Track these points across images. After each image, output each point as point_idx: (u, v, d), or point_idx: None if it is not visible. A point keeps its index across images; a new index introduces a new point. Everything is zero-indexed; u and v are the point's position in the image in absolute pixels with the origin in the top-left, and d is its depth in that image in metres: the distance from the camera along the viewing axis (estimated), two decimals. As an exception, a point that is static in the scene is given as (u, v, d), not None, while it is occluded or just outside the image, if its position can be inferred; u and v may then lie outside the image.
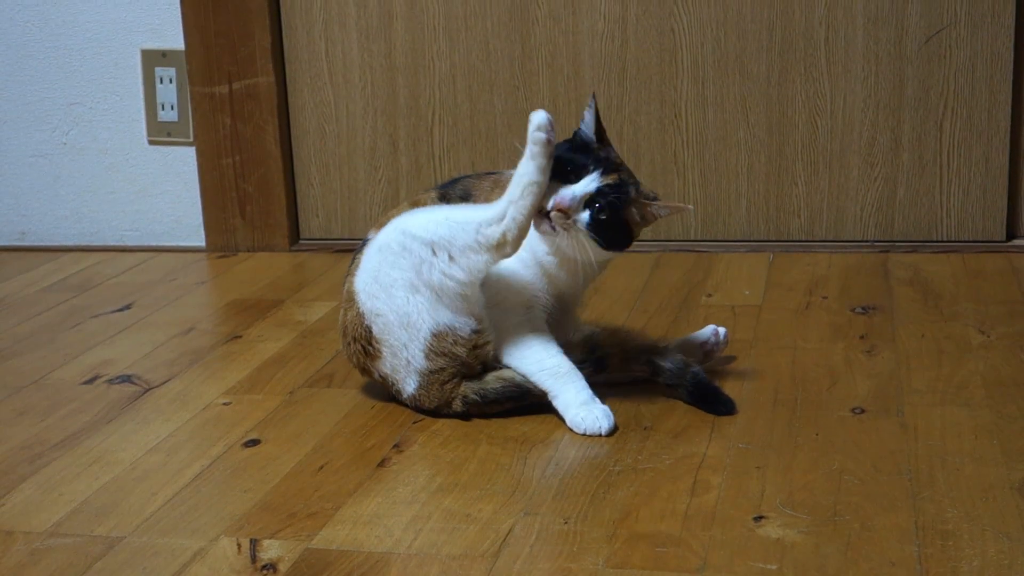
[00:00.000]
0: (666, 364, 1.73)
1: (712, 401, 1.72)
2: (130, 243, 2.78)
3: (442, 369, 1.69)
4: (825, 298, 2.19)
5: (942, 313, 2.08)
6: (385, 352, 1.71)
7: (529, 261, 1.71)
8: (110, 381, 1.95)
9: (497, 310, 1.71)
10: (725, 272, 2.38)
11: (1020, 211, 2.48)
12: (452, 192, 1.79)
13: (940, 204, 2.47)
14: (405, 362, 1.70)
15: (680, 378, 1.73)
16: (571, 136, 1.74)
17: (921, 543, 1.34)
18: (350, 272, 1.76)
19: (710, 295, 2.25)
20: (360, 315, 1.73)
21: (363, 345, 1.73)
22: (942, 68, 2.41)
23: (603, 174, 1.67)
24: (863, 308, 2.12)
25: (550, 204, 1.64)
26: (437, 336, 1.68)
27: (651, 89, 2.52)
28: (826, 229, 2.52)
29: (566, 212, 1.64)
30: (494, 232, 1.64)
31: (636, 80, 2.52)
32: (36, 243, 2.81)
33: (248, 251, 2.70)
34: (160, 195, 2.75)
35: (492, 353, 1.71)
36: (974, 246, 2.45)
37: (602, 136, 1.74)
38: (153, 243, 2.77)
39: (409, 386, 1.71)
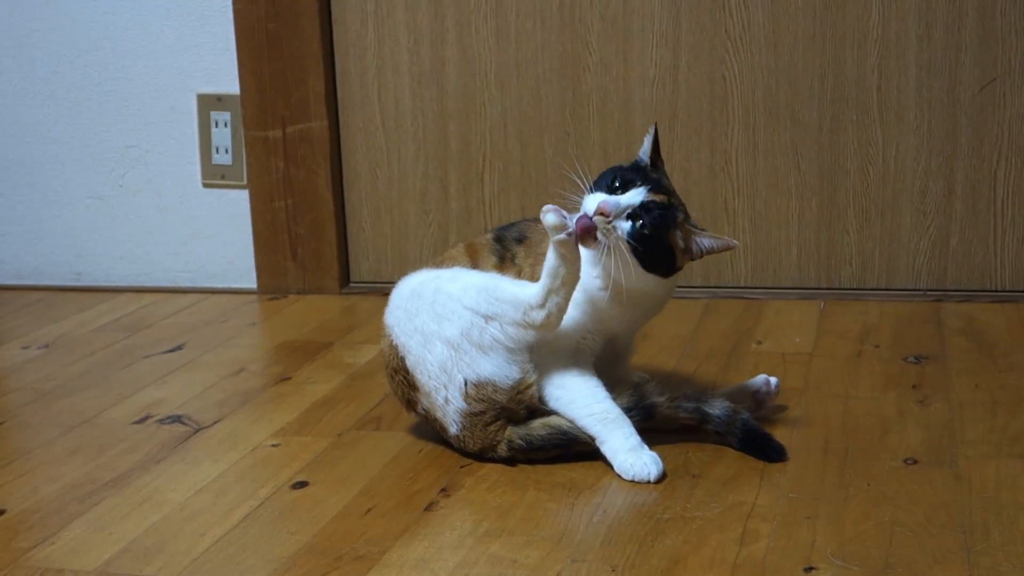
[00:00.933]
0: (715, 412, 1.72)
1: (763, 448, 1.71)
2: (183, 284, 2.80)
3: (482, 412, 1.69)
4: (877, 347, 2.17)
5: (996, 364, 2.06)
6: (422, 388, 1.72)
7: (580, 299, 1.71)
8: (161, 421, 1.96)
9: (544, 351, 1.71)
10: (775, 319, 2.37)
11: (1076, 261, 2.45)
12: (508, 235, 1.81)
13: (994, 253, 2.45)
14: (444, 401, 1.70)
15: (729, 425, 1.71)
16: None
17: (975, 597, 1.32)
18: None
19: (760, 342, 2.23)
20: (394, 347, 1.74)
21: (403, 376, 1.74)
22: (996, 116, 2.40)
23: (651, 191, 1.68)
24: (916, 358, 2.10)
25: (593, 208, 1.64)
26: (477, 386, 1.68)
27: (702, 136, 2.53)
28: (878, 277, 2.50)
29: (607, 216, 1.64)
30: (539, 316, 1.66)
31: (687, 127, 2.52)
32: (91, 283, 2.84)
33: (299, 293, 2.72)
34: (213, 237, 2.77)
35: (537, 396, 1.70)
36: (1029, 296, 2.42)
37: (656, 161, 1.77)
38: (206, 284, 2.79)
39: (452, 426, 1.72)
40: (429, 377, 1.71)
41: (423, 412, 1.76)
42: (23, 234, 2.86)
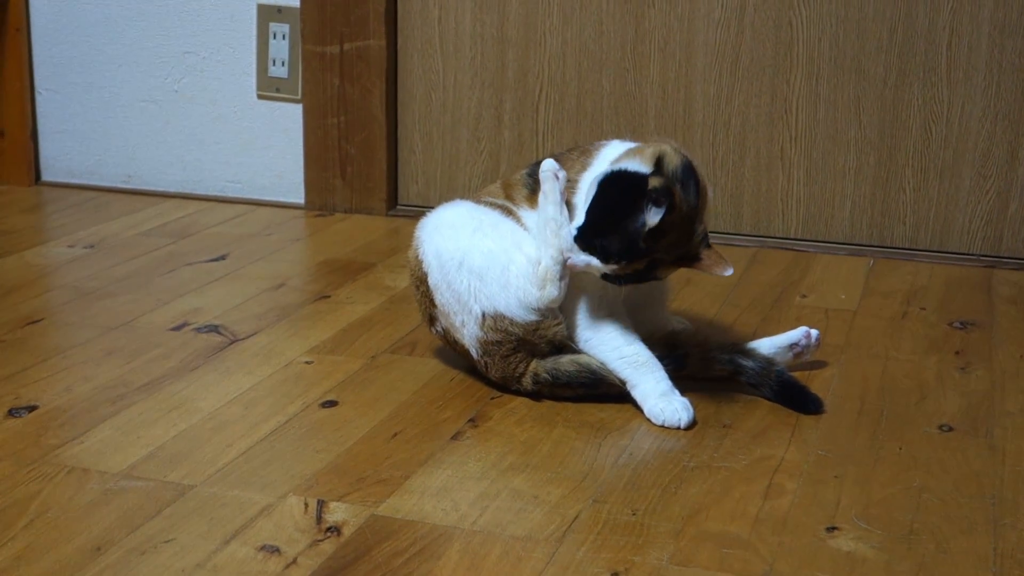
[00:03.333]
0: (748, 363, 1.70)
1: (799, 399, 1.69)
2: (231, 194, 2.80)
3: (499, 343, 1.68)
4: (923, 309, 2.14)
5: (1044, 335, 2.02)
6: (440, 308, 1.72)
7: None
8: (198, 329, 1.97)
9: (571, 291, 1.69)
10: (822, 274, 2.34)
11: None
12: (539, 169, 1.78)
13: (1053, 223, 2.40)
14: (461, 324, 1.70)
15: (764, 377, 1.69)
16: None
17: (998, 570, 1.30)
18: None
19: (804, 296, 2.20)
20: (419, 260, 1.74)
21: (425, 290, 1.74)
22: (1068, 83, 2.34)
23: (627, 262, 1.61)
24: (961, 323, 2.07)
25: (580, 263, 1.63)
26: (494, 318, 1.67)
27: (763, 82, 2.48)
28: (931, 239, 2.46)
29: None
30: (541, 271, 1.66)
31: (748, 72, 2.48)
32: (141, 187, 2.85)
33: (346, 212, 2.71)
34: (264, 150, 2.77)
35: (562, 335, 1.69)
36: (1084, 269, 2.37)
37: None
38: (254, 196, 2.79)
39: (472, 351, 1.71)
40: (447, 300, 1.70)
41: (441, 331, 1.75)
42: (77, 133, 2.86)
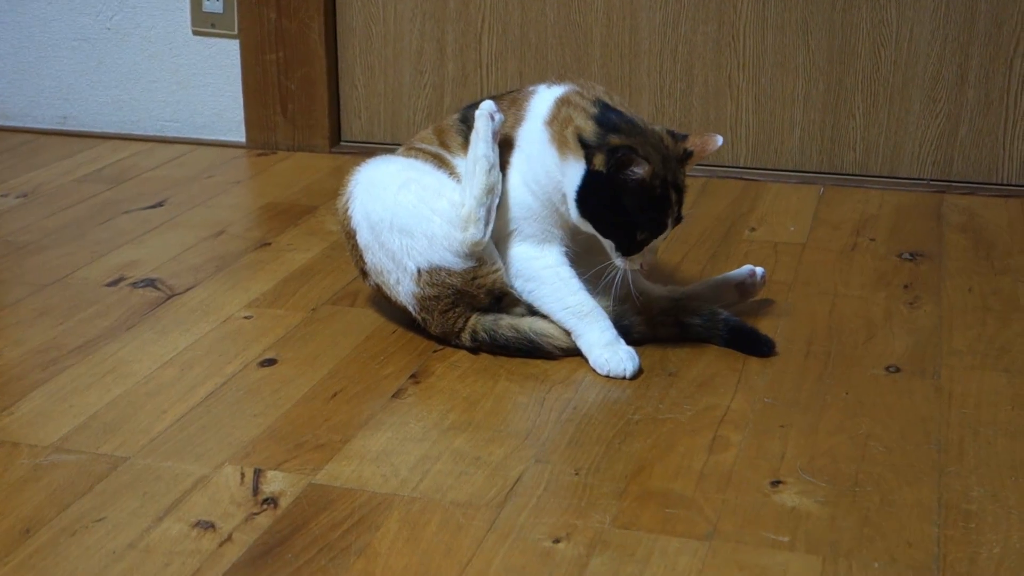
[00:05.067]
0: (694, 321, 1.67)
1: (751, 343, 1.67)
2: (170, 134, 2.74)
3: (437, 297, 1.65)
4: (873, 240, 2.12)
5: (993, 265, 2.00)
6: (371, 268, 1.68)
7: (540, 193, 1.64)
8: (134, 284, 1.92)
9: (513, 239, 1.66)
10: (772, 204, 2.31)
11: (1087, 158, 2.37)
12: (473, 113, 1.72)
13: (1003, 146, 2.37)
14: (395, 282, 1.66)
15: (712, 329, 1.67)
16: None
17: (942, 523, 1.29)
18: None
19: (753, 229, 2.18)
20: (348, 214, 1.70)
21: (355, 244, 1.70)
22: (1016, 3, 2.29)
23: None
24: (911, 254, 2.05)
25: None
26: (429, 272, 1.63)
27: (709, 8, 2.42)
28: (881, 164, 2.43)
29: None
30: (463, 213, 1.62)
31: (695, -3, 2.42)
32: (77, 128, 2.78)
33: (288, 150, 2.65)
34: (202, 87, 2.70)
35: (501, 283, 1.65)
36: (1035, 192, 2.35)
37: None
38: (193, 135, 2.72)
39: (409, 307, 1.68)
40: (380, 260, 1.66)
41: (375, 286, 1.72)
42: (8, 73, 2.78)
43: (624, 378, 1.60)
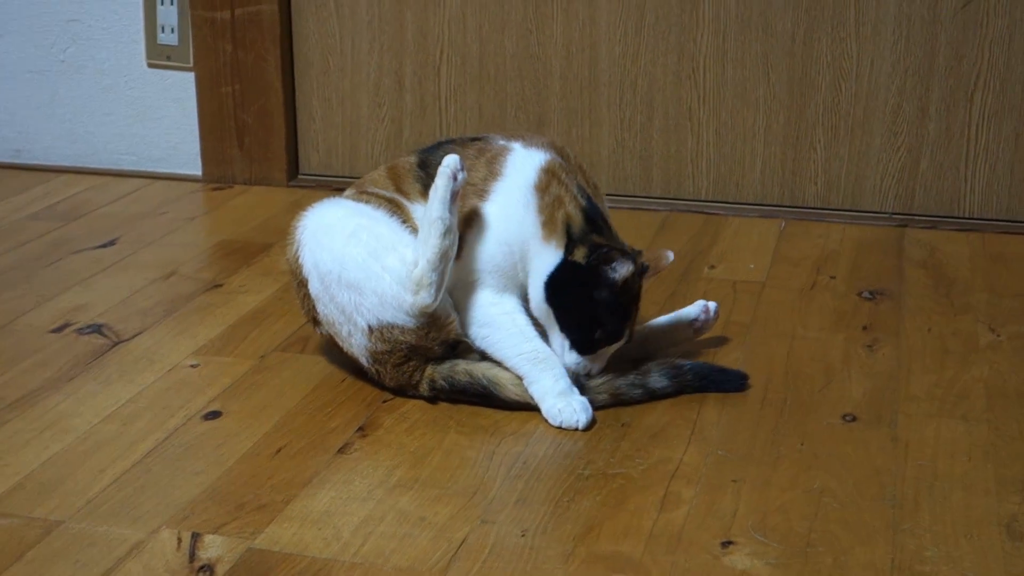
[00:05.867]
0: (659, 384, 1.63)
1: (723, 382, 1.66)
2: (126, 167, 2.70)
3: (389, 352, 1.61)
4: (833, 278, 2.09)
5: (953, 304, 1.98)
6: (323, 319, 1.65)
7: (508, 253, 1.61)
8: (80, 331, 1.88)
9: (470, 288, 1.63)
10: (732, 240, 2.28)
11: (1049, 191, 2.36)
12: (434, 159, 1.69)
13: (964, 179, 2.35)
14: (347, 335, 1.63)
15: (680, 383, 1.64)
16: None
17: (894, 586, 1.27)
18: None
19: (713, 266, 2.15)
20: (300, 263, 1.66)
21: (306, 293, 1.67)
22: (977, 36, 2.28)
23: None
24: (871, 293, 2.02)
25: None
26: (380, 330, 1.60)
27: (669, 41, 2.40)
28: (843, 198, 2.41)
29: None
30: (415, 275, 1.58)
31: (654, 30, 2.40)
32: (31, 161, 2.73)
33: (245, 184, 2.62)
34: (158, 120, 2.66)
35: (456, 333, 1.62)
36: (996, 225, 2.33)
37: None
38: (150, 169, 2.69)
39: (362, 359, 1.64)
40: (331, 312, 1.63)
41: (326, 335, 1.68)
42: (-40, 107, 2.74)
43: (577, 429, 1.57)
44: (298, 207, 2.38)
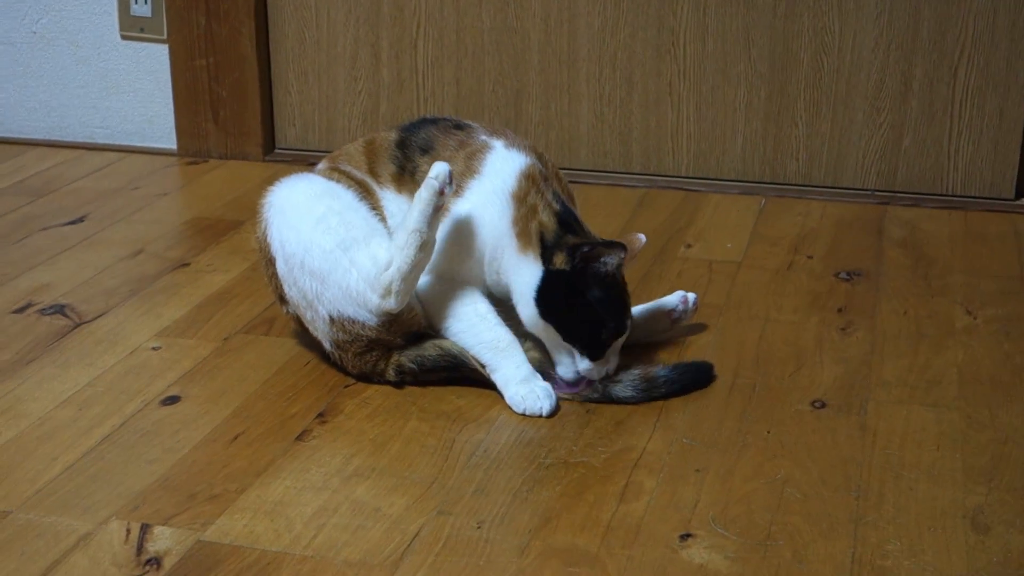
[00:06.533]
0: (626, 393, 1.58)
1: (694, 382, 1.61)
2: (100, 140, 2.66)
3: (351, 342, 1.58)
4: (810, 258, 2.06)
5: (930, 286, 1.95)
6: (289, 300, 1.62)
7: (476, 255, 1.58)
8: (43, 311, 1.85)
9: (430, 276, 1.59)
10: (711, 217, 2.25)
11: (1033, 168, 2.32)
12: (414, 140, 1.65)
13: (947, 156, 2.32)
14: (311, 318, 1.60)
15: (649, 391, 1.58)
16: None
17: (854, 581, 1.24)
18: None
19: (689, 245, 2.12)
20: (268, 241, 1.63)
21: (274, 272, 1.63)
22: (961, 10, 2.23)
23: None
24: (848, 273, 1.99)
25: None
26: (341, 321, 1.57)
27: (649, 14, 2.36)
28: (824, 174, 2.37)
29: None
30: (384, 279, 1.54)
31: (634, 3, 2.35)
32: (5, 135, 2.70)
33: (221, 158, 2.58)
34: (132, 93, 2.62)
35: (419, 325, 1.59)
36: (980, 203, 2.30)
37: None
38: (124, 142, 2.65)
39: (325, 343, 1.61)
40: (295, 295, 1.60)
41: (293, 313, 1.65)
42: (-68, 79, 2.70)
43: (541, 416, 1.54)
44: (273, 182, 2.36)
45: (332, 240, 1.56)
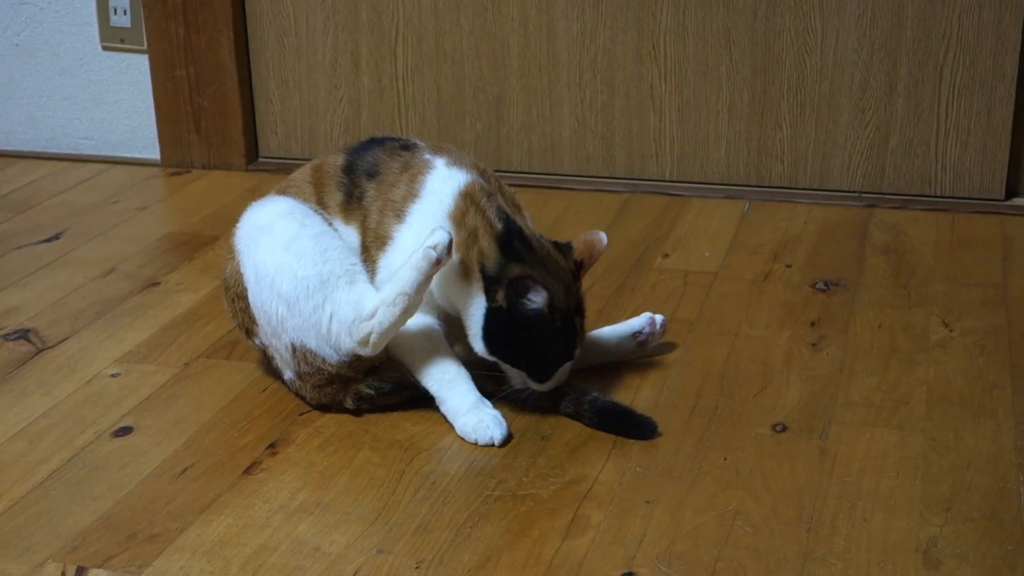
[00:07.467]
0: (564, 404, 1.56)
1: (626, 426, 1.54)
2: (85, 151, 2.65)
3: (311, 374, 1.56)
4: (788, 267, 2.02)
5: (909, 296, 1.90)
6: (261, 328, 1.60)
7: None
8: (6, 336, 1.84)
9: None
10: (693, 224, 2.21)
11: (1022, 168, 2.26)
12: (360, 164, 1.62)
13: (935, 156, 2.27)
14: (274, 345, 1.58)
15: (579, 411, 1.55)
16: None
17: (796, 623, 1.21)
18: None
19: (667, 255, 2.08)
20: (240, 275, 1.60)
21: (245, 306, 1.61)
22: (946, 8, 2.18)
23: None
24: (825, 283, 1.95)
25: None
26: (304, 352, 1.55)
27: (628, 16, 2.32)
28: (810, 177, 2.33)
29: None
30: (364, 328, 1.52)
31: (612, 5, 2.31)
32: (-9, 147, 2.70)
33: (204, 168, 2.56)
34: (115, 104, 2.61)
35: (380, 360, 1.57)
36: (968, 204, 2.25)
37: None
38: (109, 153, 2.64)
39: (286, 372, 1.59)
40: (261, 319, 1.58)
41: (261, 346, 1.63)
42: (-83, 93, 2.70)
43: (492, 444, 1.52)
44: (256, 193, 2.32)
45: (307, 267, 1.53)
